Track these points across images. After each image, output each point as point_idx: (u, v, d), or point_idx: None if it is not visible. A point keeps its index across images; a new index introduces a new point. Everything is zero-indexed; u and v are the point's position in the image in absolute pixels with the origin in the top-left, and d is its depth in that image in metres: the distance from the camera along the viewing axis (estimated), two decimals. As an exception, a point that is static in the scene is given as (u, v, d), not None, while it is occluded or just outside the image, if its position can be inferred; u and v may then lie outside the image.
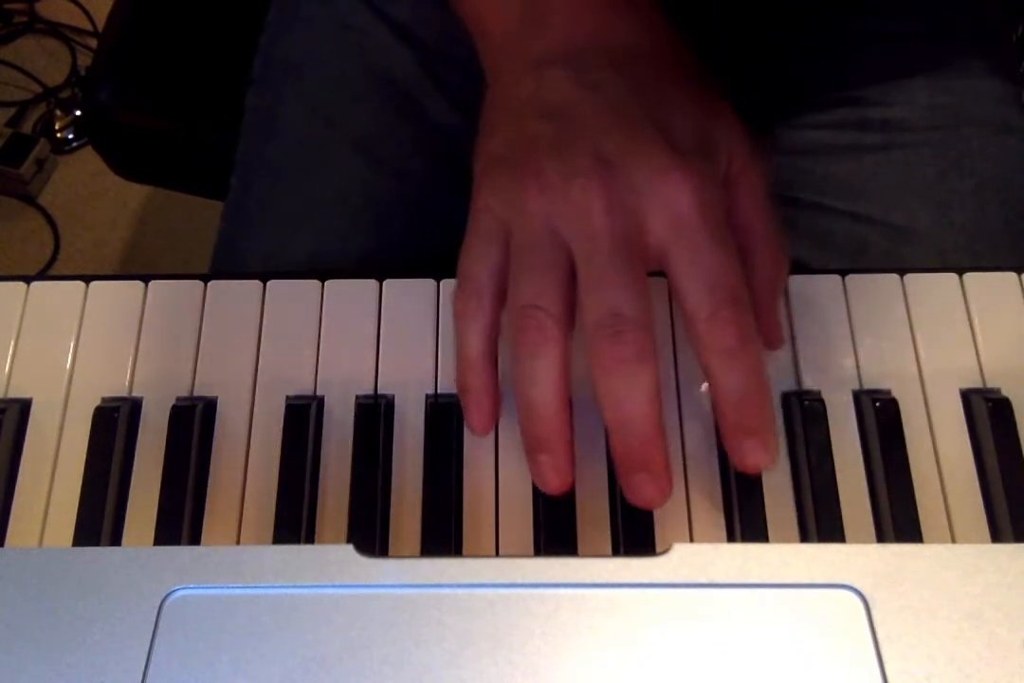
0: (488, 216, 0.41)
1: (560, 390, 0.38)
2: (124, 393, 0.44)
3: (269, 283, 0.46)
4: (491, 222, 0.41)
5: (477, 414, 0.41)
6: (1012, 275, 0.46)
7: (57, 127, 1.53)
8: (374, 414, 0.43)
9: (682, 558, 0.33)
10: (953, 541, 0.40)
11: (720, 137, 0.42)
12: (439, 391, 0.44)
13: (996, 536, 0.41)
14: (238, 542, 0.41)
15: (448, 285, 0.46)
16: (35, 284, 0.46)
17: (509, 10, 0.45)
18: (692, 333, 0.39)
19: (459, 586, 0.33)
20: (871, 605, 0.32)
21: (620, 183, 0.38)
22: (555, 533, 0.40)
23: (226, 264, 0.60)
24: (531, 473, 0.40)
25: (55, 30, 1.60)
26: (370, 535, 0.40)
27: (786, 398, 0.43)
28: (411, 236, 0.57)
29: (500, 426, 0.43)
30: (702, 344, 0.38)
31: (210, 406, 0.44)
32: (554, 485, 0.39)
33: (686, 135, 0.40)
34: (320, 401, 0.44)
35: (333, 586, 0.33)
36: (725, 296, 0.38)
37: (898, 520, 0.40)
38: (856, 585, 0.32)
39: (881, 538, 0.40)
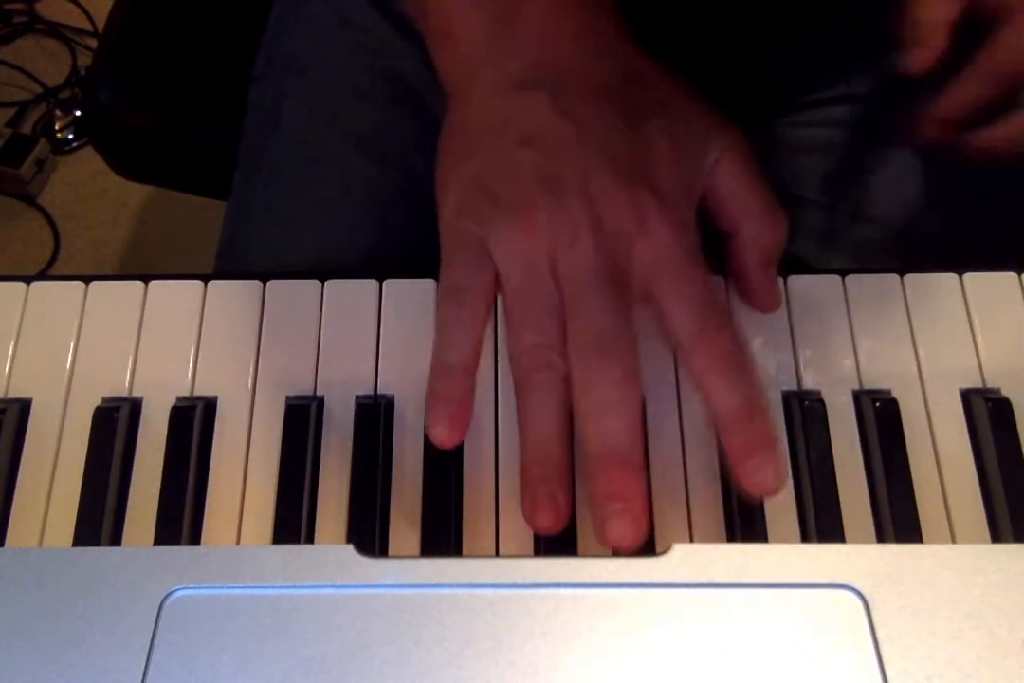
0: (469, 237, 0.41)
1: (567, 426, 0.39)
2: (124, 393, 0.44)
3: (269, 283, 0.46)
4: (474, 241, 0.41)
5: (448, 426, 0.39)
6: (1012, 275, 0.46)
7: (57, 127, 1.53)
8: (374, 414, 0.43)
9: (682, 558, 0.33)
10: (953, 541, 0.40)
11: (701, 145, 0.43)
12: (439, 391, 0.44)
13: (996, 536, 0.41)
14: (238, 542, 0.41)
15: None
16: (35, 284, 0.46)
17: (476, 23, 0.44)
18: (685, 358, 0.39)
19: (459, 586, 0.33)
20: (871, 605, 0.32)
21: (608, 226, 0.40)
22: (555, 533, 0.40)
23: (230, 262, 0.60)
24: (527, 511, 0.38)
25: (55, 30, 1.60)
26: (370, 535, 0.40)
27: (786, 398, 0.43)
28: (415, 233, 0.57)
29: (500, 426, 0.43)
30: (696, 363, 0.39)
31: (210, 406, 0.44)
32: (550, 523, 0.38)
33: (665, 170, 0.41)
34: (320, 401, 0.44)
35: (333, 586, 0.33)
36: (710, 315, 0.39)
37: (898, 520, 0.40)
38: (856, 585, 0.32)
39: (881, 538, 0.40)
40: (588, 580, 0.33)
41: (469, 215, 0.41)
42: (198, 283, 0.46)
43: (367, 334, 0.45)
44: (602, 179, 0.40)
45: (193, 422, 0.43)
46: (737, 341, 0.39)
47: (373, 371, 0.44)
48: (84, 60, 1.57)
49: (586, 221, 0.39)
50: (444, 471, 0.42)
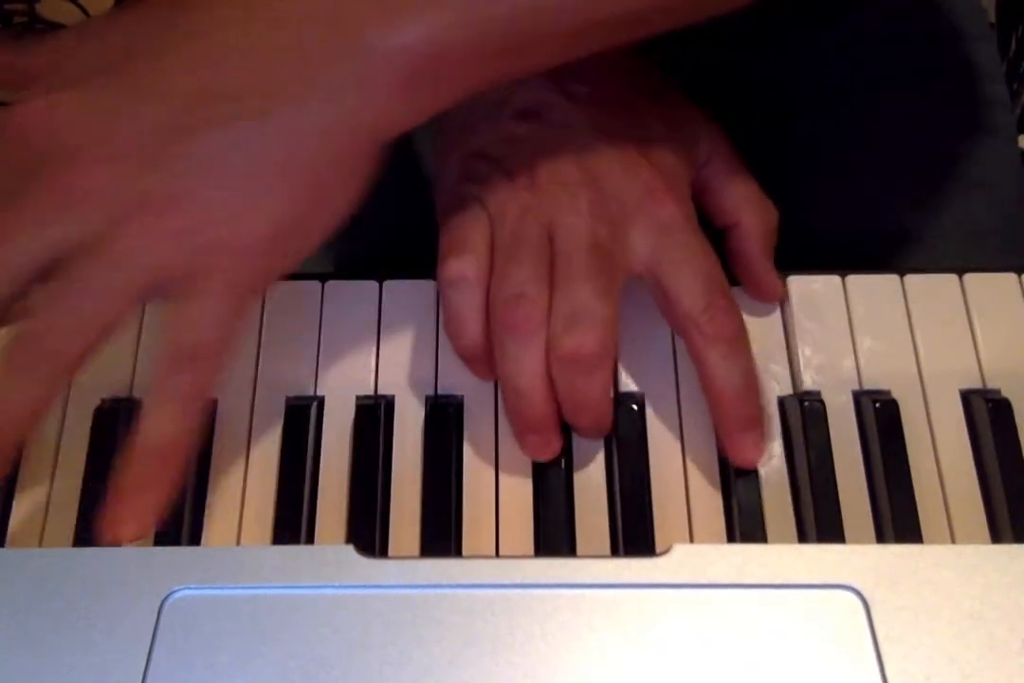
0: (469, 199, 0.42)
1: (546, 375, 0.39)
2: (124, 393, 0.44)
3: (269, 283, 0.46)
4: (473, 202, 0.41)
5: (487, 370, 0.42)
6: (1012, 275, 0.46)
7: (57, 127, 1.53)
8: (374, 414, 0.43)
9: (682, 558, 0.33)
10: (953, 541, 0.40)
11: (691, 137, 0.45)
12: (439, 391, 0.44)
13: (996, 536, 0.41)
14: (238, 542, 0.41)
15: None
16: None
17: None
18: (690, 330, 0.40)
19: (459, 586, 0.33)
20: (871, 605, 0.32)
21: (608, 195, 0.40)
22: (555, 533, 0.40)
23: None
24: (521, 446, 0.41)
25: (55, 30, 1.60)
26: (370, 535, 0.40)
27: (786, 399, 0.43)
28: (419, 234, 0.57)
29: (500, 425, 0.43)
30: (701, 337, 0.40)
31: (210, 406, 0.44)
32: (544, 458, 0.41)
33: (662, 150, 0.42)
34: (320, 401, 0.44)
35: (333, 586, 0.33)
36: (718, 289, 0.40)
37: (898, 520, 0.40)
38: (856, 585, 0.32)
39: (881, 538, 0.40)
40: (588, 580, 0.33)
41: (471, 180, 0.42)
42: (198, 283, 0.46)
43: (367, 334, 0.45)
44: (604, 151, 0.41)
45: (193, 422, 0.43)
46: (739, 317, 0.41)
47: (373, 371, 0.44)
48: (84, 60, 1.57)
49: (587, 188, 0.40)
50: (444, 471, 0.42)
